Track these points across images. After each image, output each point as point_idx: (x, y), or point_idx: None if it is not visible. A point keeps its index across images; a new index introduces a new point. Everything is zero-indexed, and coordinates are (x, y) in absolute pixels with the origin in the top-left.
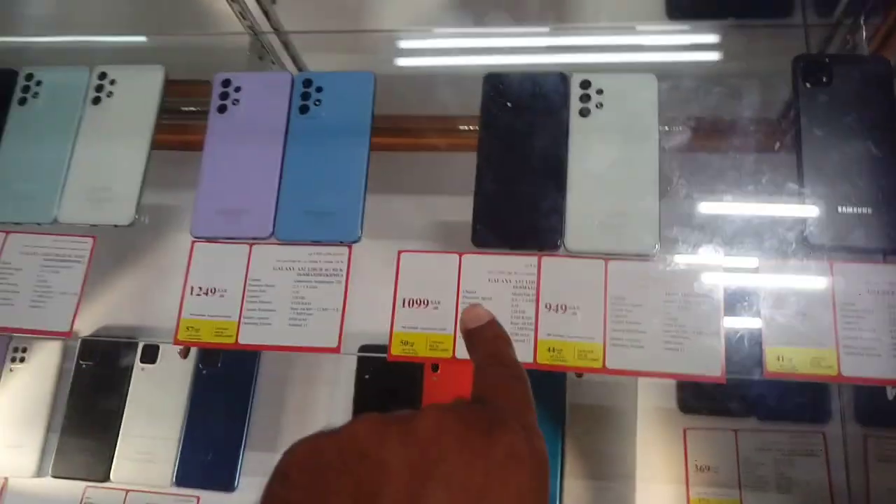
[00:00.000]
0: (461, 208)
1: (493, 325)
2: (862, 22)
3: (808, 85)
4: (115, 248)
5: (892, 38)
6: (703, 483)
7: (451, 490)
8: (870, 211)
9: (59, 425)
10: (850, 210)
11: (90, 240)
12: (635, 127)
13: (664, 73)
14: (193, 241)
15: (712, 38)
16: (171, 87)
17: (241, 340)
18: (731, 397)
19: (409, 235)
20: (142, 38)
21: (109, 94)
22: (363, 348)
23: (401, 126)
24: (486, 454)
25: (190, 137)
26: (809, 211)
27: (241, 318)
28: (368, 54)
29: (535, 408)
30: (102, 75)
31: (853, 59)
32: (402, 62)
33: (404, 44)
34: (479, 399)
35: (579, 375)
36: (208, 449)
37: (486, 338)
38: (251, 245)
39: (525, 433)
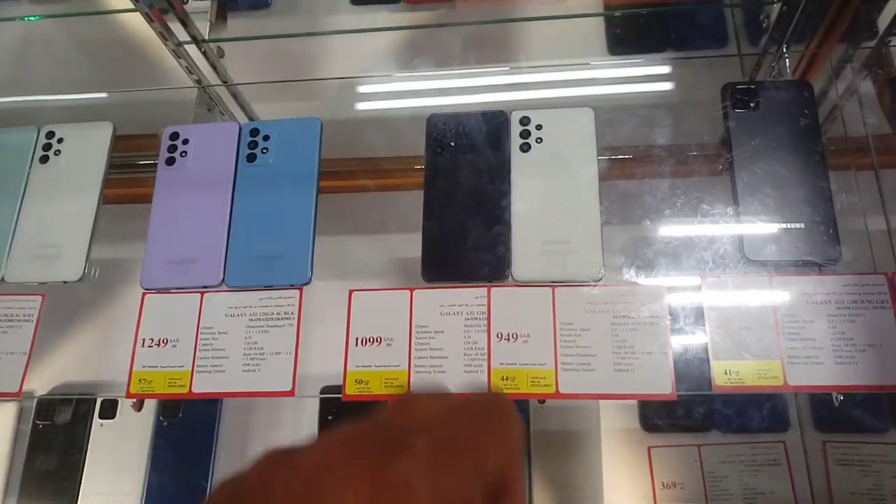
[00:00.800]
0: (415, 244)
1: None
2: (784, 50)
3: (737, 110)
4: (70, 305)
5: (813, 64)
6: (670, 500)
7: None
8: (803, 225)
9: (17, 488)
10: (784, 226)
11: (39, 298)
12: (575, 158)
13: (608, 106)
14: (144, 293)
15: (653, 70)
16: (123, 142)
17: (195, 389)
18: (692, 413)
19: (366, 274)
20: (91, 96)
21: (57, 153)
22: (325, 389)
23: (351, 168)
24: (372, 486)
25: (142, 191)
26: (746, 229)
27: (195, 367)
28: (319, 101)
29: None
30: (50, 134)
31: (778, 85)
32: (353, 107)
33: (354, 89)
34: (381, 417)
35: (541, 402)
36: (171, 503)
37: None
38: (202, 294)
39: (427, 455)
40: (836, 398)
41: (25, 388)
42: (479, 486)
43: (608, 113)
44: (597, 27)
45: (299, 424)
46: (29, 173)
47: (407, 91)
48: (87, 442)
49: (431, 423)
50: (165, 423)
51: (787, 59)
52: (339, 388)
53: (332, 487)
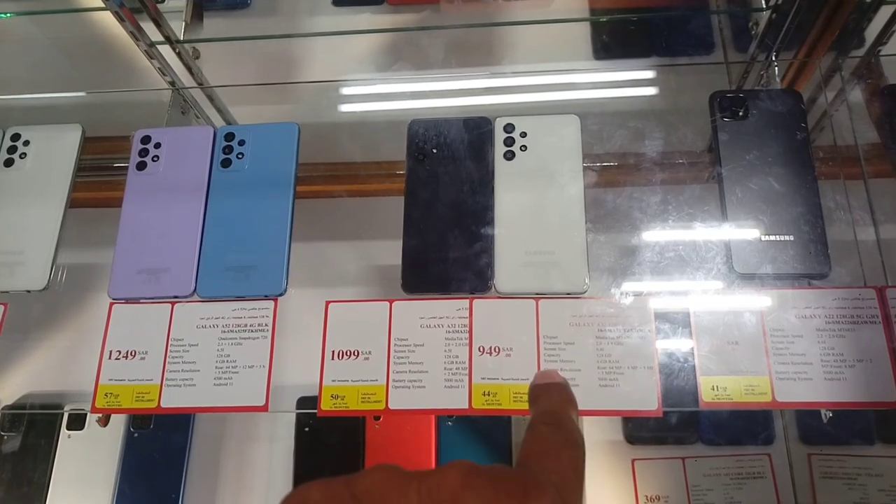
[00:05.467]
0: (394, 252)
1: (561, 386)
2: (774, 59)
3: (725, 119)
4: (36, 311)
5: (802, 73)
6: None
7: None
8: (792, 238)
9: None
10: (773, 238)
11: (1, 307)
12: (560, 167)
13: (593, 112)
14: (112, 303)
15: (639, 76)
16: (94, 144)
17: (164, 404)
18: (676, 426)
19: (343, 282)
20: (61, 95)
21: (23, 156)
22: (301, 400)
23: (331, 173)
24: None
25: (113, 194)
26: (734, 241)
27: (164, 381)
28: (298, 104)
29: (483, 448)
30: (15, 136)
31: (768, 94)
32: (333, 110)
33: (334, 92)
34: (522, 463)
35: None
36: None
37: (549, 394)
38: (172, 304)
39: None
40: (825, 415)
41: None
42: None
43: (593, 119)
44: (582, 33)
45: (275, 436)
46: None
47: (388, 95)
48: (54, 454)
49: (563, 475)
50: (136, 435)
51: (776, 68)
52: (315, 400)
53: None
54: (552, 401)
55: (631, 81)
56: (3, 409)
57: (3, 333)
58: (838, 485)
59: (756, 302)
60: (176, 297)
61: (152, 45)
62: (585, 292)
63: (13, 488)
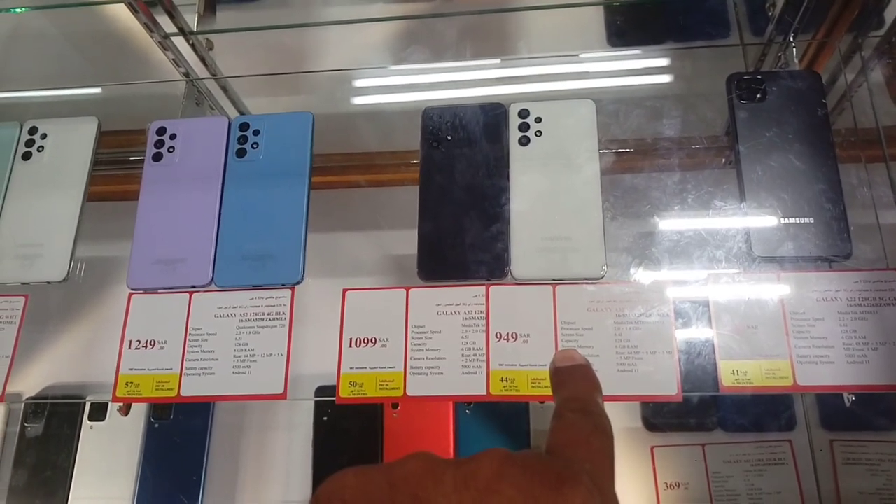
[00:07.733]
0: (410, 241)
1: (584, 367)
2: (791, 40)
3: (743, 102)
4: (58, 304)
5: (821, 53)
6: (673, 501)
7: None
8: (812, 220)
9: (5, 492)
10: (793, 220)
11: (22, 299)
12: (575, 152)
13: (608, 98)
14: (130, 294)
15: (653, 62)
16: (109, 138)
17: (184, 393)
18: (695, 412)
19: (360, 272)
20: (77, 91)
21: (40, 149)
22: (319, 389)
23: (346, 163)
24: None
25: (130, 187)
26: (753, 224)
27: (183, 370)
28: (311, 94)
29: (501, 436)
30: (33, 130)
31: (786, 75)
32: (347, 100)
33: (347, 82)
34: (553, 451)
35: (542, 401)
36: None
37: (573, 377)
38: (190, 294)
39: (600, 496)
40: (848, 398)
41: (13, 389)
42: None
43: (608, 105)
44: (596, 17)
45: (294, 425)
46: (11, 170)
47: (401, 84)
48: (77, 445)
49: (595, 462)
50: (157, 425)
51: (794, 49)
52: (333, 389)
53: (509, 498)
54: (577, 386)
55: (646, 68)
56: (26, 400)
57: (24, 325)
58: (861, 470)
59: (776, 285)
60: (193, 286)
61: (166, 36)
62: (603, 277)
63: (37, 478)
